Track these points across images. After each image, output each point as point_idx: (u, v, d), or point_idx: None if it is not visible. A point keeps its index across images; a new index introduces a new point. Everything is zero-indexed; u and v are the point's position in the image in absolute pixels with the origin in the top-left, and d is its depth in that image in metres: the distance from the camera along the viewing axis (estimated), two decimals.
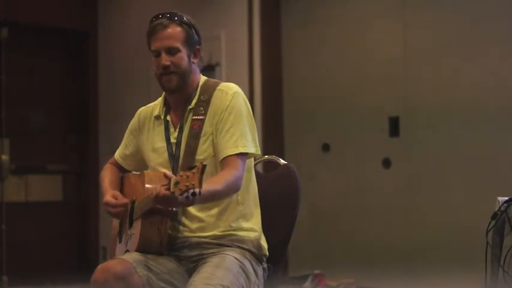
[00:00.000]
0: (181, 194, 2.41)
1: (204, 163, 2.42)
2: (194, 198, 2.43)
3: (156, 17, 2.87)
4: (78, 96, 7.53)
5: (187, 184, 2.39)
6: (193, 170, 2.40)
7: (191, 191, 2.39)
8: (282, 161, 3.07)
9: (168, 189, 2.46)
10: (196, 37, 2.89)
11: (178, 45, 2.83)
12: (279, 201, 2.98)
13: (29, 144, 7.21)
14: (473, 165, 5.14)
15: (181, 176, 2.42)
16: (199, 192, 2.39)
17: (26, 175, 7.18)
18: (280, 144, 6.13)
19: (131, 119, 3.09)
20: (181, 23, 2.85)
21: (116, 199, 2.92)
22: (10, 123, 6.78)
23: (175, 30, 2.83)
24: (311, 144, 6.07)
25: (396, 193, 5.54)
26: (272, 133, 6.10)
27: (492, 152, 5.08)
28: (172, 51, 2.82)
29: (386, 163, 5.61)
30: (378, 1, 5.79)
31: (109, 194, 2.96)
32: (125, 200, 2.92)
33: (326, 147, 5.99)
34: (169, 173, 2.64)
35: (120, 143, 3.13)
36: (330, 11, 6.01)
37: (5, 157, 6.48)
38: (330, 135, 5.98)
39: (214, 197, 2.70)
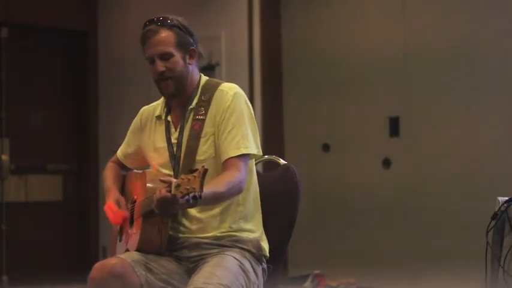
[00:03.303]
0: (182, 197, 2.40)
1: (206, 167, 2.41)
2: (196, 202, 2.42)
3: (146, 24, 2.85)
4: (78, 96, 7.53)
5: (187, 187, 2.39)
6: (195, 174, 2.39)
7: (192, 194, 2.39)
8: (282, 161, 3.07)
9: (169, 191, 2.45)
10: (189, 38, 2.86)
11: (171, 49, 2.81)
12: (279, 201, 2.98)
13: (29, 144, 7.21)
14: (473, 165, 5.14)
15: (183, 179, 2.41)
16: (200, 196, 2.38)
17: (26, 175, 7.18)
18: (280, 144, 6.13)
19: (131, 118, 3.10)
20: (171, 26, 2.83)
21: (119, 206, 2.92)
22: (10, 123, 6.79)
23: (165, 34, 2.81)
24: (311, 144, 6.07)
25: (396, 193, 5.54)
26: (272, 133, 6.10)
27: (492, 152, 5.07)
28: (165, 56, 2.81)
29: (386, 163, 5.61)
30: (378, 1, 5.79)
31: (112, 197, 2.96)
32: (125, 213, 2.91)
33: (326, 147, 5.99)
34: (165, 178, 2.60)
35: (120, 142, 3.13)
36: (330, 12, 6.01)
37: (5, 157, 6.48)
38: (330, 135, 5.97)
39: (217, 199, 2.69)
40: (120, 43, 7.32)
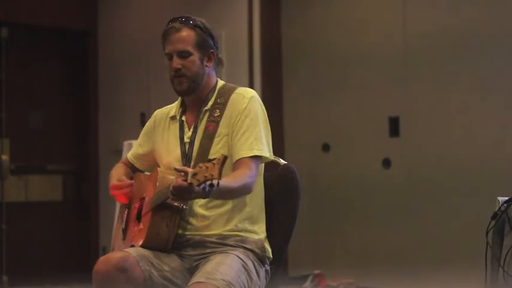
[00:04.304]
0: (198, 185, 2.40)
1: (226, 154, 2.41)
2: (211, 190, 2.42)
3: (170, 21, 2.89)
4: (78, 96, 7.53)
5: (206, 175, 2.38)
6: (214, 161, 2.39)
7: (209, 182, 2.37)
8: (282, 161, 3.07)
9: (185, 180, 2.45)
10: (210, 40, 2.91)
11: (190, 48, 2.85)
12: (279, 201, 2.98)
13: (29, 144, 7.22)
14: (473, 165, 5.14)
15: (200, 167, 2.41)
16: (218, 183, 2.38)
17: (26, 175, 7.19)
18: (280, 144, 6.13)
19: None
20: (194, 26, 2.88)
21: (121, 182, 2.96)
22: (10, 123, 6.79)
23: (187, 33, 2.86)
24: (311, 144, 6.07)
25: (396, 193, 5.54)
26: (272, 133, 6.08)
27: (492, 152, 5.07)
28: (183, 54, 2.85)
29: (386, 163, 5.61)
30: (378, 1, 5.79)
31: (114, 178, 3.02)
32: (130, 181, 2.96)
33: (326, 147, 5.99)
34: (180, 167, 2.60)
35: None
36: (330, 12, 6.01)
37: (5, 157, 6.48)
38: (330, 135, 5.97)
39: (229, 194, 2.70)
40: (120, 43, 7.33)
